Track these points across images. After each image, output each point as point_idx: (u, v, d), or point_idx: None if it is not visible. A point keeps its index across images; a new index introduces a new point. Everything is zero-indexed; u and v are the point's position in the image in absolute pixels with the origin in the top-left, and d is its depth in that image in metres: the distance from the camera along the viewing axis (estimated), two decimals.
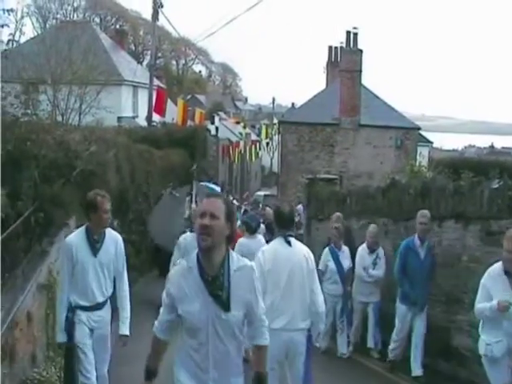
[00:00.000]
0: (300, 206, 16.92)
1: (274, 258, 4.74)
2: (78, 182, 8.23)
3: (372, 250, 8.19)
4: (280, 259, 4.74)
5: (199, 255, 3.10)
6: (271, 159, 53.31)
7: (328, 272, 8.14)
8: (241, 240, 7.73)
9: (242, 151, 43.75)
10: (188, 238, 7.89)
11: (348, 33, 24.79)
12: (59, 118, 15.16)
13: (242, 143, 44.08)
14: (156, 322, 3.29)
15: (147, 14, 31.97)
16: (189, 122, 26.24)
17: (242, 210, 21.78)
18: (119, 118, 24.87)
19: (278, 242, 4.87)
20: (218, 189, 21.64)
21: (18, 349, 4.60)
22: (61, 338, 4.62)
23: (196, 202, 13.83)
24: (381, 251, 8.22)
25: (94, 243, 4.77)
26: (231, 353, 3.12)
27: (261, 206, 25.54)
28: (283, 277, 4.70)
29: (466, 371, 6.83)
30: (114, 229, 10.85)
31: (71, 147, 8.33)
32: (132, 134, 17.07)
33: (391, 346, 7.38)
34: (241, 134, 48.51)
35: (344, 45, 25.40)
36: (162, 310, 3.26)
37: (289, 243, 4.82)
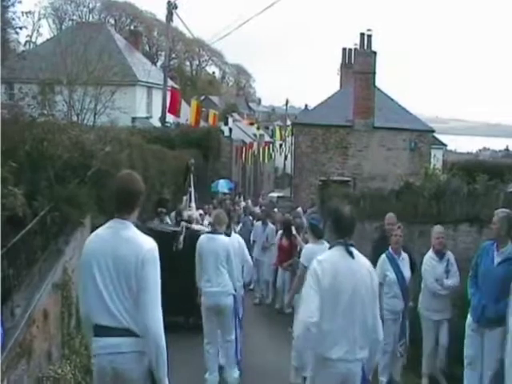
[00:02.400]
0: (299, 209, 16.77)
1: (334, 272, 3.93)
2: (92, 181, 8.31)
3: (441, 255, 6.98)
4: (342, 274, 3.94)
5: None
6: (284, 161, 53.32)
7: (387, 284, 6.94)
8: (308, 246, 6.90)
9: (256, 152, 43.82)
10: (206, 240, 6.95)
11: (362, 35, 24.78)
12: (74, 118, 15.29)
13: (255, 144, 44.17)
14: None
15: (161, 15, 32.18)
16: (202, 123, 26.38)
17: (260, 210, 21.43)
18: (133, 119, 25.07)
19: (337, 253, 4.05)
20: (232, 184, 21.47)
21: (35, 346, 4.66)
22: None
23: (195, 201, 12.58)
24: (451, 256, 7.03)
25: None
26: None
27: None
28: (345, 296, 3.92)
29: None
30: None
31: (86, 147, 8.41)
32: (146, 135, 17.20)
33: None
34: (254, 135, 48.62)
35: (358, 47, 25.40)
36: None
37: (351, 254, 4.01)
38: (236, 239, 7.82)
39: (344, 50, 31.70)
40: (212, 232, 6.98)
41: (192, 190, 12.43)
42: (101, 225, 4.01)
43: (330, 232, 4.11)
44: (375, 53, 24.66)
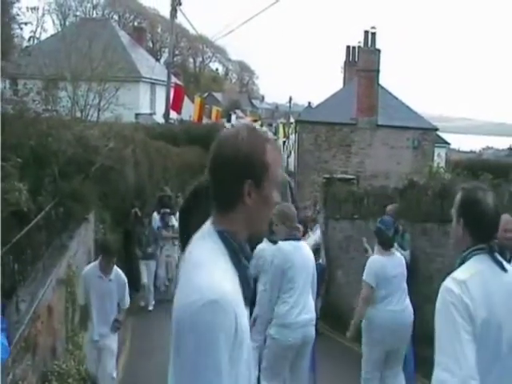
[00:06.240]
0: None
1: (487, 298, 2.45)
2: (96, 177, 8.33)
3: None
4: (497, 299, 2.47)
5: None
6: (287, 158, 53.27)
7: None
8: (374, 258, 5.55)
9: None
10: (292, 249, 5.04)
11: (366, 32, 24.71)
12: (78, 114, 15.30)
13: None
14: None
15: (165, 12, 32.20)
16: (205, 120, 26.36)
17: None
18: (137, 115, 25.05)
19: (483, 266, 2.55)
20: None
21: (39, 341, 4.67)
22: None
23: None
24: None
25: None
26: None
27: None
28: (504, 333, 2.46)
29: None
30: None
31: (90, 143, 8.43)
32: (149, 131, 17.20)
33: None
34: None
35: (362, 44, 25.34)
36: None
37: (501, 265, 2.56)
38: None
39: (348, 47, 31.66)
40: (294, 238, 5.06)
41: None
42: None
43: (464, 233, 2.63)
44: (379, 51, 24.60)
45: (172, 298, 1.68)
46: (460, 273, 2.52)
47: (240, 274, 1.72)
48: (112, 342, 5.68)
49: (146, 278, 10.55)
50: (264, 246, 5.28)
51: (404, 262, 5.60)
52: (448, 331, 2.41)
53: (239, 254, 1.73)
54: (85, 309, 5.68)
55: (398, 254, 5.65)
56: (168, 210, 11.18)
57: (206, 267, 1.63)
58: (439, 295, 2.49)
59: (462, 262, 2.57)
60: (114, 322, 5.66)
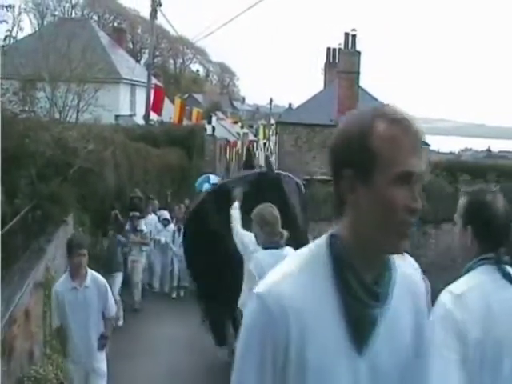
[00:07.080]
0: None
1: (486, 316, 2.11)
2: (75, 179, 8.24)
3: None
4: (501, 317, 2.12)
5: None
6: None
7: None
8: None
9: (239, 151, 43.81)
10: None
11: (346, 34, 24.88)
12: (57, 116, 15.14)
13: (239, 143, 44.17)
14: None
15: (145, 13, 32.04)
16: (186, 122, 26.29)
17: None
18: (117, 116, 24.88)
19: (486, 278, 2.21)
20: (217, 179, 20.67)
21: (15, 345, 4.60)
22: None
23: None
24: None
25: None
26: None
27: None
28: (508, 354, 2.11)
29: None
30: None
31: (69, 144, 8.34)
32: (129, 133, 17.07)
33: None
34: (238, 133, 48.61)
35: (342, 46, 25.50)
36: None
37: (509, 278, 2.20)
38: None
39: (328, 49, 31.85)
40: (275, 246, 4.36)
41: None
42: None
43: (473, 241, 2.28)
44: (359, 52, 24.78)
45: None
46: (458, 285, 2.22)
47: (341, 295, 1.34)
48: (100, 363, 5.00)
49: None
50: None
51: (415, 265, 5.08)
52: (434, 348, 1.97)
53: (344, 268, 1.35)
54: (62, 330, 4.88)
55: (408, 257, 5.10)
56: (137, 214, 10.67)
57: (284, 264, 1.38)
58: (434, 306, 2.20)
59: (467, 274, 2.26)
60: (101, 340, 4.92)
